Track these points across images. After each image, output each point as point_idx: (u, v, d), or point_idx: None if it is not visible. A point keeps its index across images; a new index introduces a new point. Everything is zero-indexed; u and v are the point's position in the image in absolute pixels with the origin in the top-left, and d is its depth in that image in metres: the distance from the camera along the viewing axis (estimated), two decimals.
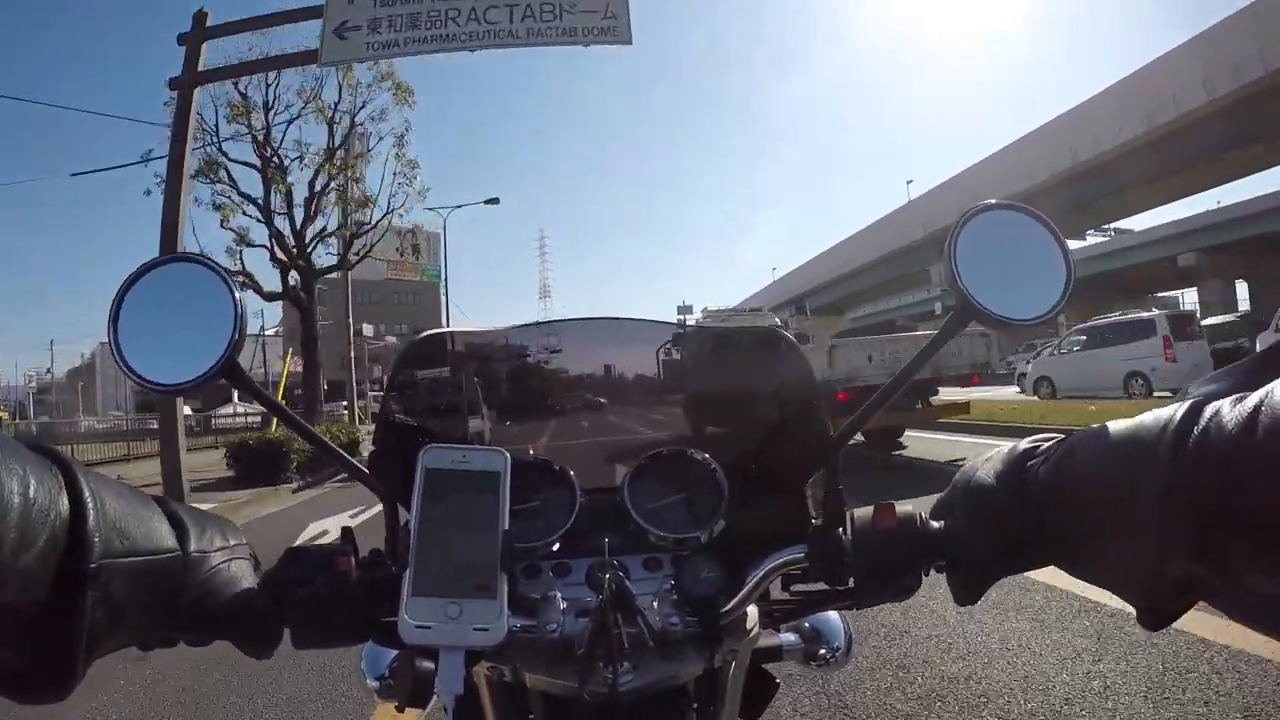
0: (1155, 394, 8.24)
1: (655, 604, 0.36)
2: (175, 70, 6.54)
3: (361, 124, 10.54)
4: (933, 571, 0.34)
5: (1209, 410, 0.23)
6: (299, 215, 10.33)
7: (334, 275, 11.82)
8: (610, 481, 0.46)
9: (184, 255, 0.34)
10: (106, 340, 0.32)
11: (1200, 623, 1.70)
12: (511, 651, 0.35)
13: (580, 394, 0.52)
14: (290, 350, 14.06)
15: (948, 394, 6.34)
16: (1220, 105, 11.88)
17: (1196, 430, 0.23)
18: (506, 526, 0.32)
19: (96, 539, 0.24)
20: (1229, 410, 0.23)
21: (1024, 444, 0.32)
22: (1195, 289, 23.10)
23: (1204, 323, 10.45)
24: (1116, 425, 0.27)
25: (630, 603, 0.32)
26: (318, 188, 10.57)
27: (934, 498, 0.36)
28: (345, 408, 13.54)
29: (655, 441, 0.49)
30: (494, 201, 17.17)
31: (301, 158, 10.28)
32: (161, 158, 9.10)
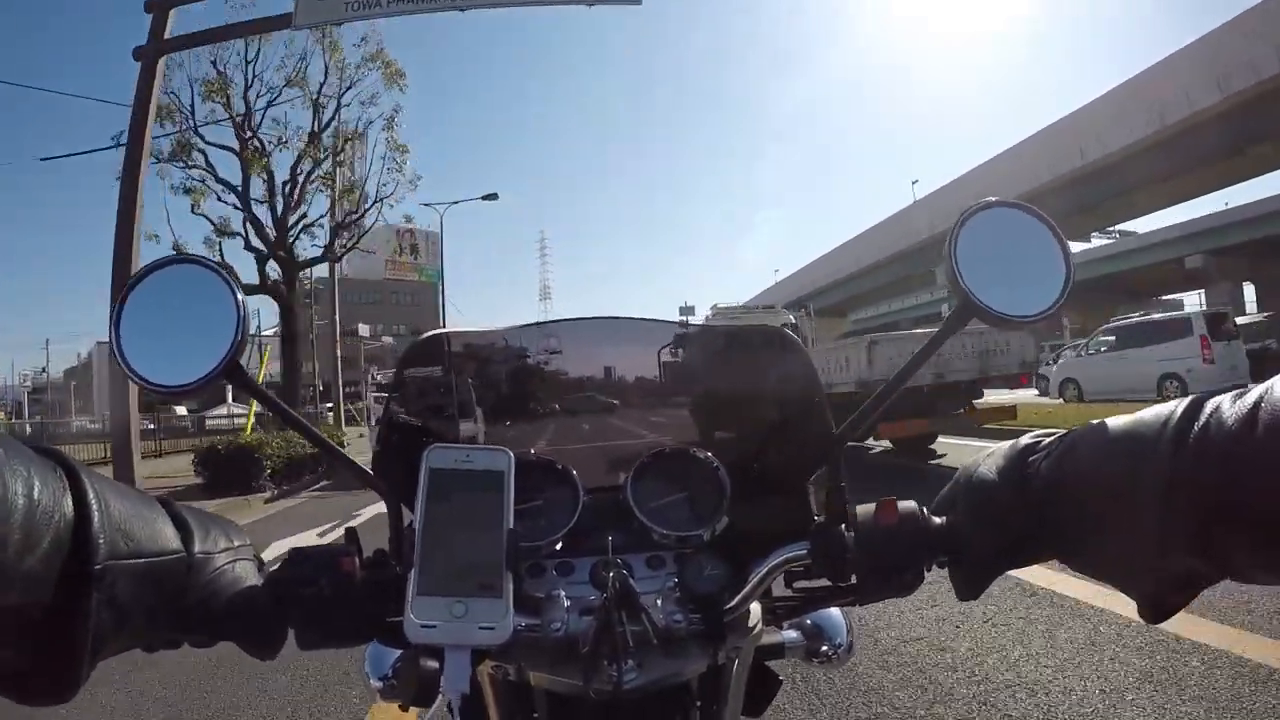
0: None
1: (659, 602, 0.36)
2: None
3: (348, 105, 9.94)
4: (935, 567, 0.34)
5: (1209, 406, 0.24)
6: (281, 202, 9.74)
7: (331, 275, 11.16)
8: (613, 480, 0.46)
9: (186, 257, 0.34)
10: (109, 341, 0.31)
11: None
12: (516, 650, 0.35)
13: (589, 394, 0.52)
14: (268, 346, 13.36)
15: (987, 396, 6.06)
16: (1236, 102, 11.64)
17: (1197, 426, 0.23)
18: (511, 525, 0.32)
19: (101, 540, 0.24)
20: (1229, 406, 0.23)
21: (1025, 439, 0.32)
22: (1201, 291, 22.96)
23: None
24: (1117, 421, 0.28)
25: (634, 601, 0.32)
26: (301, 174, 9.94)
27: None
28: (330, 409, 12.89)
29: (657, 440, 0.48)
30: (492, 197, 16.64)
31: (281, 139, 9.66)
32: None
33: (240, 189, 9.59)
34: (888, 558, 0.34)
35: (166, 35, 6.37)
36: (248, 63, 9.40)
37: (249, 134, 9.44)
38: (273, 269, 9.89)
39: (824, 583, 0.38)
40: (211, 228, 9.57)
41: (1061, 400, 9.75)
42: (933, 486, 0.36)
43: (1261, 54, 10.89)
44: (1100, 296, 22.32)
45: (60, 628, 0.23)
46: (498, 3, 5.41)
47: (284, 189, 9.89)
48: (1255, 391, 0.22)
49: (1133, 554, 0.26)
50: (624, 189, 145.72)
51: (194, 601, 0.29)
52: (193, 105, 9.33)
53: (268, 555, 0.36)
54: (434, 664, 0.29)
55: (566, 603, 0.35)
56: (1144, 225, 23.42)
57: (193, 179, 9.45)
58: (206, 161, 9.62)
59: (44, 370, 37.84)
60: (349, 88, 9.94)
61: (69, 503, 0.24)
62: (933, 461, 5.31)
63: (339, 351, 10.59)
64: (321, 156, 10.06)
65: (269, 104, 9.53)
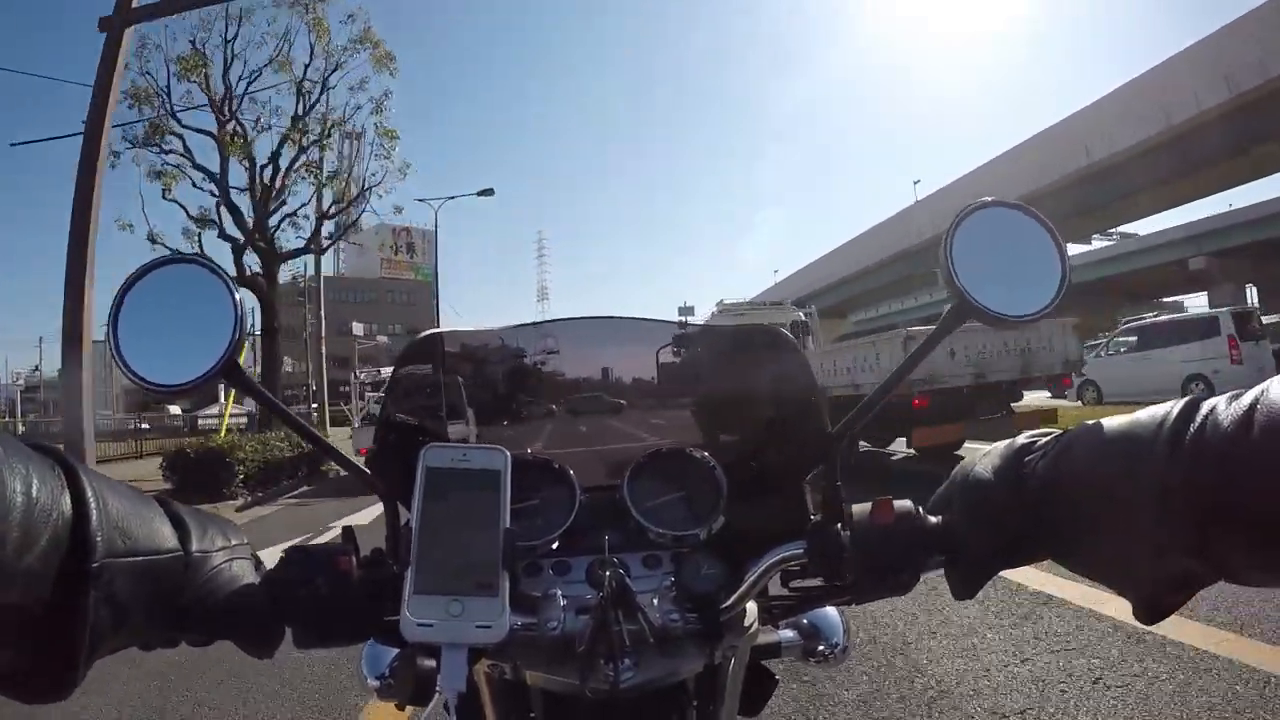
0: None
1: (655, 601, 0.36)
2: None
3: (334, 87, 9.38)
4: (931, 566, 0.34)
5: (1205, 407, 0.24)
6: (261, 190, 9.16)
7: (316, 269, 10.58)
8: (610, 480, 0.46)
9: (184, 256, 0.34)
10: (106, 341, 0.31)
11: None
12: (513, 649, 0.35)
13: (596, 394, 0.52)
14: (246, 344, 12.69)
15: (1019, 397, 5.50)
16: (1243, 102, 11.46)
17: (1193, 427, 0.24)
18: (508, 524, 0.32)
19: (99, 539, 0.24)
20: (1225, 407, 0.23)
21: (1021, 439, 0.32)
22: (1204, 293, 22.90)
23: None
24: (1113, 421, 0.28)
25: (630, 600, 0.33)
26: (283, 160, 9.40)
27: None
28: (315, 409, 12.30)
29: (654, 440, 0.48)
30: (488, 193, 16.19)
31: (259, 120, 9.09)
32: (116, 125, 7.98)
33: (218, 175, 9.03)
34: (884, 557, 0.33)
35: (134, 4, 5.86)
36: (227, 42, 8.87)
37: (227, 116, 8.88)
38: (255, 262, 9.33)
39: (820, 582, 0.37)
40: (186, 216, 9.01)
41: (1080, 403, 9.39)
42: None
43: (1273, 52, 10.71)
44: (1101, 298, 22.34)
45: (58, 626, 0.23)
46: None
47: (261, 171, 9.38)
48: (1251, 393, 0.22)
49: (1128, 554, 0.26)
50: (624, 189, 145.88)
51: (191, 600, 0.29)
52: (169, 86, 8.80)
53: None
54: (431, 663, 0.29)
55: (563, 602, 0.35)
56: (1144, 228, 23.30)
57: (169, 164, 8.92)
58: (185, 147, 9.09)
59: (37, 369, 37.42)
60: (335, 69, 9.45)
61: (67, 501, 0.24)
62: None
63: (323, 349, 9.97)
64: (306, 143, 9.52)
65: (248, 84, 9.03)
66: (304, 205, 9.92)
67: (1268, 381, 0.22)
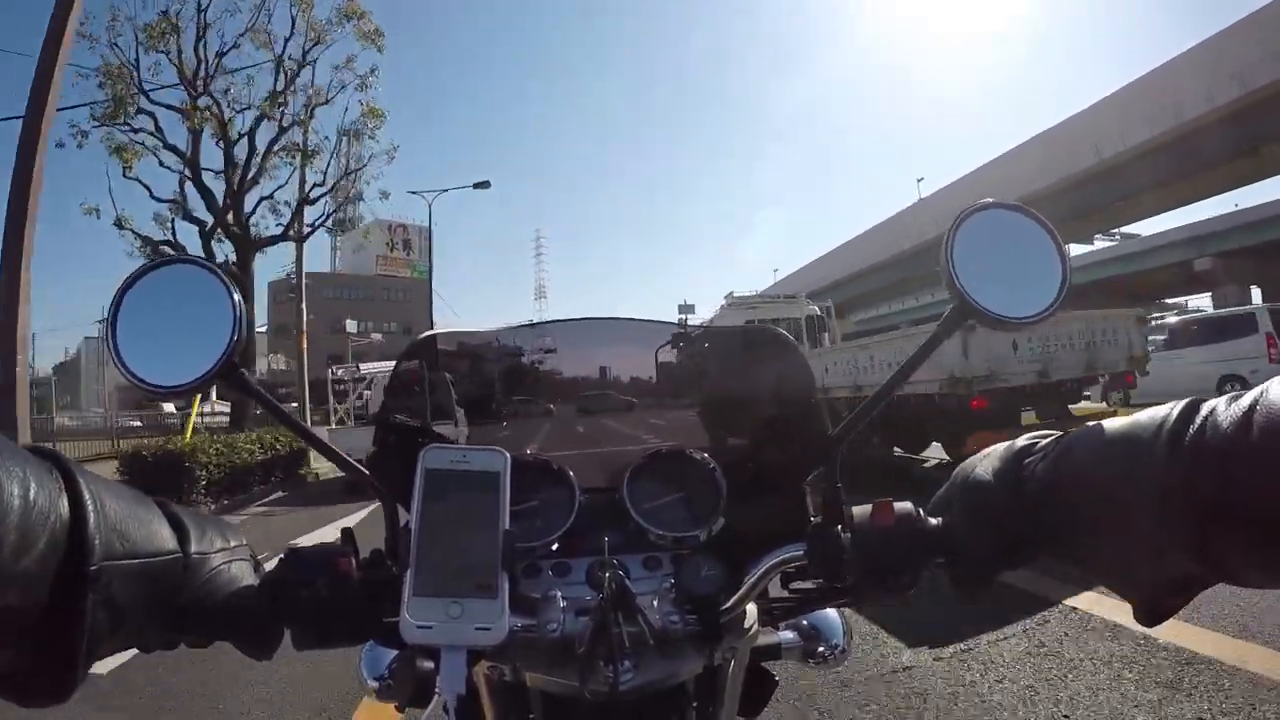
0: None
1: (655, 603, 0.36)
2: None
3: (314, 61, 8.71)
4: (932, 568, 0.34)
5: (1205, 409, 0.24)
6: (238, 173, 8.47)
7: (297, 260, 9.85)
8: (609, 481, 0.45)
9: (182, 257, 0.33)
10: (106, 342, 0.31)
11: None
12: (512, 651, 0.34)
13: (603, 391, 0.51)
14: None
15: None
16: (1253, 100, 11.14)
17: (1192, 429, 0.23)
18: (507, 526, 0.32)
19: (97, 541, 0.24)
20: (1224, 409, 0.23)
21: (1021, 441, 0.32)
22: (1208, 294, 22.77)
23: None
24: (1113, 423, 0.28)
25: (630, 601, 0.32)
26: (261, 143, 8.71)
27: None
28: (295, 408, 11.65)
29: (654, 441, 0.48)
30: (484, 185, 15.65)
31: (230, 91, 8.38)
32: (76, 105, 7.33)
33: (186, 151, 8.31)
34: (884, 559, 0.33)
35: None
36: (200, 10, 8.20)
37: (199, 90, 8.19)
38: (234, 252, 8.63)
39: (820, 583, 0.37)
40: (150, 196, 8.29)
41: (1105, 405, 8.94)
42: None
43: None
44: (1102, 300, 22.15)
45: (56, 628, 0.23)
46: None
47: (233, 147, 8.64)
48: (1250, 395, 0.22)
49: (1128, 556, 0.26)
50: (623, 188, 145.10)
51: (190, 602, 0.29)
52: (137, 59, 8.12)
53: None
54: (430, 664, 0.29)
55: (563, 603, 0.35)
56: (1146, 229, 23.14)
57: (136, 141, 8.23)
58: (157, 126, 8.41)
59: (31, 366, 36.77)
60: (317, 43, 8.77)
61: (65, 503, 0.24)
62: None
63: (304, 345, 9.25)
64: (286, 123, 8.86)
65: (222, 55, 8.32)
66: (280, 188, 9.27)
67: (1267, 383, 0.22)
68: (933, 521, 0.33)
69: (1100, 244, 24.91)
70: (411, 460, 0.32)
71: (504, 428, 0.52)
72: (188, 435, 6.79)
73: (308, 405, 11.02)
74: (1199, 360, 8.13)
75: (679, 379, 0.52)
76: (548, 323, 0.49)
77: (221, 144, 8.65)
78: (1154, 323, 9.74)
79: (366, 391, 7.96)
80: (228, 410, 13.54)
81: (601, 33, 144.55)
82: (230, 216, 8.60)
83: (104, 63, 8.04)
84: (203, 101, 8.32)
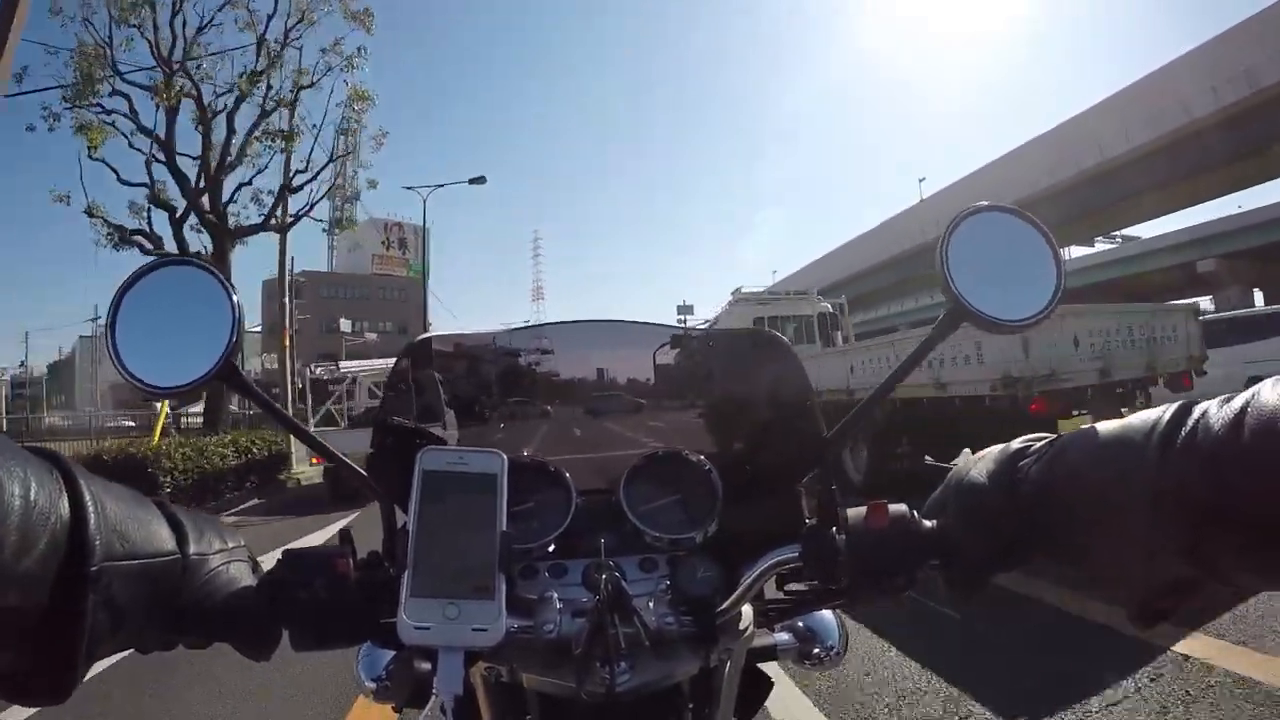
0: None
1: (651, 604, 0.36)
2: None
3: (299, 38, 8.19)
4: (926, 570, 0.34)
5: (1196, 411, 0.24)
6: (215, 156, 7.93)
7: (280, 252, 9.33)
8: (606, 483, 0.45)
9: (181, 259, 0.34)
10: (105, 342, 0.31)
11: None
12: (509, 652, 0.35)
13: (614, 393, 0.51)
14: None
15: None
16: (1260, 100, 10.95)
17: (1184, 431, 0.24)
18: (504, 528, 0.32)
19: (97, 542, 0.24)
20: (1216, 411, 0.23)
21: (1016, 443, 0.32)
22: (1209, 297, 22.70)
23: None
24: (1106, 426, 0.28)
25: (626, 603, 0.32)
26: (242, 127, 8.18)
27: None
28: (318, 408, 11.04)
29: (650, 443, 0.48)
30: (479, 181, 15.19)
31: (201, 66, 7.82)
32: (44, 89, 6.86)
33: (152, 130, 7.77)
34: (878, 561, 0.33)
35: None
36: None
37: (174, 69, 7.65)
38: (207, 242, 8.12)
39: (815, 585, 0.37)
40: (117, 180, 7.72)
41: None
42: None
43: None
44: (1104, 301, 22.05)
45: (56, 629, 0.23)
46: None
47: (208, 126, 8.04)
48: (1242, 397, 0.23)
49: (1122, 559, 0.26)
50: (623, 188, 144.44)
51: (189, 602, 0.29)
52: (110, 35, 7.62)
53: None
54: (427, 665, 0.29)
55: (559, 605, 0.35)
56: (1145, 232, 23.06)
57: (107, 123, 7.70)
58: (131, 108, 7.90)
59: (22, 364, 36.41)
60: (300, 21, 8.24)
61: (65, 504, 0.24)
62: None
63: (288, 342, 8.69)
64: (269, 107, 8.35)
65: (199, 29, 7.78)
66: (260, 173, 8.56)
67: (1258, 385, 0.22)
68: (927, 524, 0.33)
69: (1101, 246, 24.84)
70: (409, 462, 0.32)
71: (501, 429, 0.51)
72: (155, 437, 6.30)
73: (292, 406, 10.48)
74: (1226, 362, 7.79)
75: (676, 381, 0.52)
76: (545, 325, 0.49)
77: (201, 128, 8.13)
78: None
79: (351, 389, 7.52)
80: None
81: (601, 33, 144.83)
82: (208, 204, 8.06)
83: (79, 42, 7.55)
84: (183, 86, 7.81)
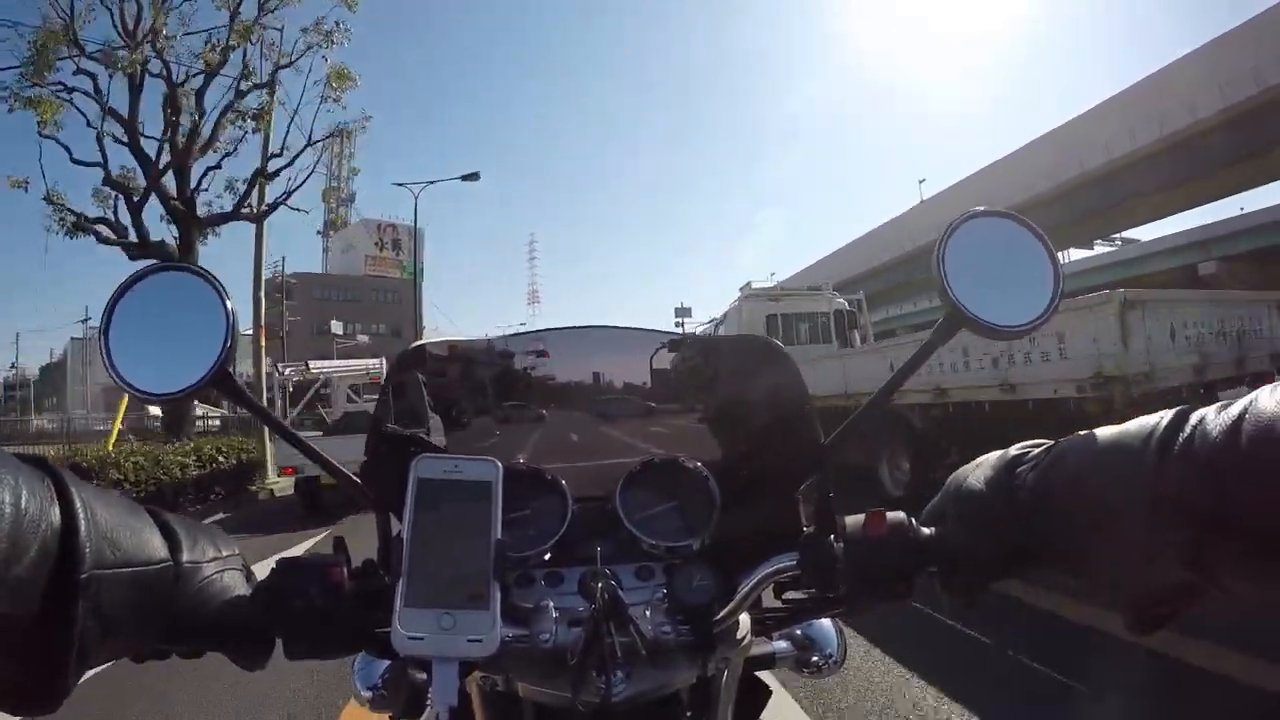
0: None
1: (648, 613, 0.36)
2: None
3: (275, 9, 7.60)
4: (925, 578, 0.34)
5: (1194, 418, 0.24)
6: (173, 128, 7.25)
7: (257, 241, 8.69)
8: (602, 490, 0.45)
9: (175, 265, 0.34)
10: (99, 348, 0.31)
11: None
12: (505, 661, 0.34)
13: (620, 398, 0.51)
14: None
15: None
16: (1268, 98, 10.68)
17: (1182, 437, 0.24)
18: (499, 536, 0.31)
19: (88, 549, 0.24)
20: (1214, 417, 0.23)
21: (1014, 450, 0.32)
22: None
23: None
24: (1104, 432, 0.28)
25: (623, 612, 0.32)
26: (216, 109, 7.59)
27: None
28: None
29: (647, 450, 0.48)
30: (472, 177, 14.71)
31: (160, 32, 7.15)
32: (6, 69, 6.29)
33: (105, 103, 7.15)
34: (876, 568, 0.33)
35: None
36: None
37: (138, 41, 7.03)
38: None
39: (813, 593, 0.37)
40: (70, 160, 7.07)
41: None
42: None
43: None
44: None
45: (47, 636, 0.23)
46: None
47: (170, 101, 7.36)
48: (1240, 403, 0.23)
49: (1120, 565, 0.26)
50: (622, 190, 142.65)
51: (182, 611, 0.29)
52: (71, 6, 7.05)
53: None
54: (423, 676, 0.29)
55: (555, 614, 0.35)
56: (1148, 234, 23.01)
57: (62, 98, 7.08)
58: (96, 88, 7.32)
59: (13, 366, 35.98)
60: None
61: (56, 512, 0.24)
62: None
63: (262, 341, 8.05)
64: (244, 86, 7.78)
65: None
66: (226, 156, 7.80)
67: (1257, 391, 0.22)
68: (925, 531, 0.33)
69: (1100, 249, 24.82)
70: (404, 470, 0.32)
71: (496, 436, 0.51)
72: (110, 443, 5.71)
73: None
74: None
75: (672, 388, 0.51)
76: (540, 331, 0.49)
77: (169, 107, 7.53)
78: None
79: (325, 392, 6.93)
80: (218, 413, 12.35)
81: (601, 33, 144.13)
82: (175, 190, 7.45)
83: (42, 17, 6.98)
84: (146, 58, 7.20)
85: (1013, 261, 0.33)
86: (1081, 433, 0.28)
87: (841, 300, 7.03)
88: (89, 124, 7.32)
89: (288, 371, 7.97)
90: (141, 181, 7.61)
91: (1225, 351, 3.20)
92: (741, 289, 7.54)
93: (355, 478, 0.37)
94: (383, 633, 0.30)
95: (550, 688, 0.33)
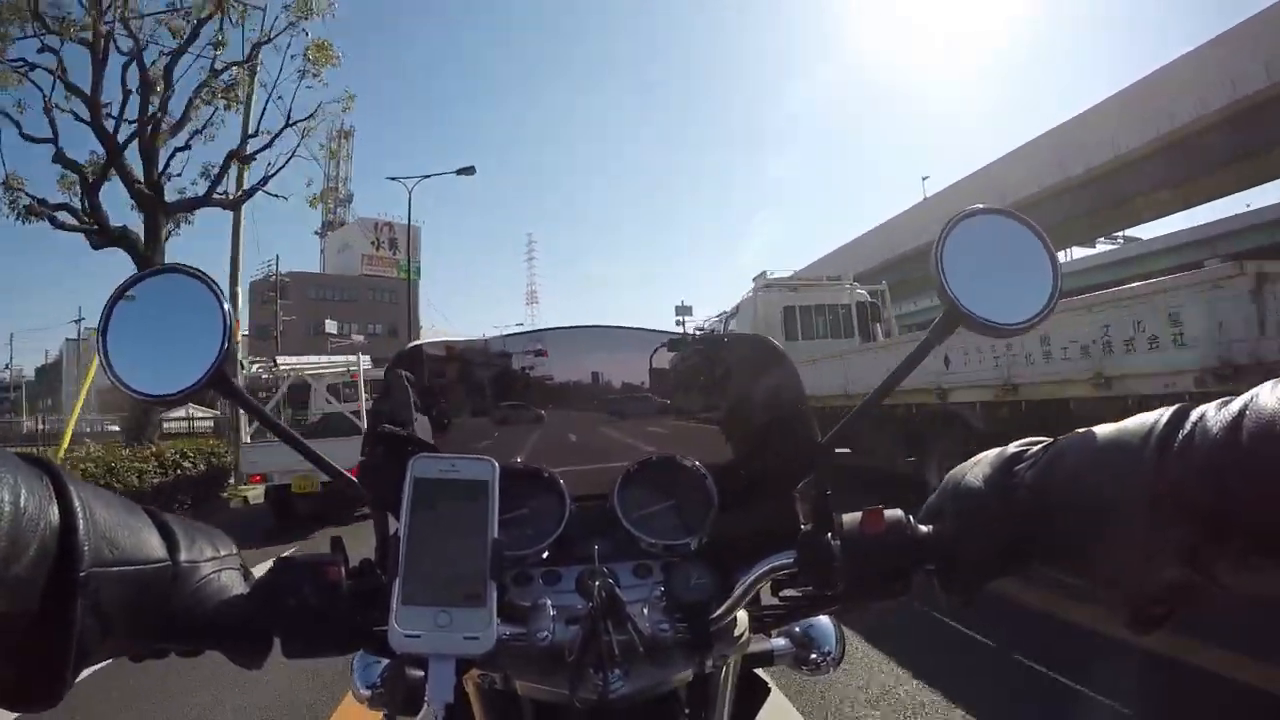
0: None
1: (645, 610, 0.36)
2: None
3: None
4: (923, 575, 0.34)
5: (1194, 415, 0.24)
6: (153, 124, 6.84)
7: (234, 230, 8.16)
8: (600, 489, 0.46)
9: (173, 267, 0.34)
10: (97, 350, 0.32)
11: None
12: (502, 659, 0.35)
13: (634, 396, 0.52)
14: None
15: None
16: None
17: (1182, 435, 0.24)
18: (496, 535, 0.32)
19: (86, 548, 0.24)
20: (1214, 414, 0.23)
21: (1012, 447, 0.32)
22: None
23: None
24: (1103, 429, 0.28)
25: (620, 609, 0.33)
26: (187, 89, 7.13)
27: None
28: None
29: (645, 449, 0.48)
30: (468, 171, 14.38)
31: (121, 4, 6.58)
32: None
33: (53, 74, 6.63)
34: (874, 566, 0.34)
35: None
36: None
37: (102, 9, 6.51)
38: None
39: (811, 591, 0.37)
40: (20, 135, 6.62)
41: None
42: None
43: None
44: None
45: (45, 635, 0.23)
46: None
47: (128, 70, 6.87)
48: (1239, 400, 0.23)
49: (1119, 562, 0.26)
50: (621, 189, 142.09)
51: (179, 610, 0.29)
52: None
53: None
54: (420, 674, 0.29)
55: (552, 612, 0.35)
56: (1150, 231, 22.81)
57: (17, 69, 6.54)
58: (61, 65, 6.86)
59: (8, 366, 35.79)
60: None
61: (55, 510, 0.24)
62: None
63: (238, 337, 7.64)
64: (220, 65, 7.32)
65: None
66: (198, 133, 7.29)
67: (1257, 388, 0.22)
68: (923, 528, 0.34)
69: (1103, 247, 24.68)
70: (401, 469, 0.33)
71: (494, 435, 0.51)
72: (63, 447, 5.28)
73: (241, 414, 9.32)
74: None
75: (670, 387, 0.52)
76: (538, 330, 0.50)
77: (139, 86, 7.06)
78: None
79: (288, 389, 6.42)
80: (211, 414, 11.92)
81: (601, 32, 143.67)
82: (143, 174, 6.97)
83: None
84: (110, 28, 6.70)
85: (1012, 259, 0.33)
86: (1080, 430, 0.29)
87: (863, 291, 6.66)
88: (46, 97, 6.86)
89: (255, 369, 7.39)
90: (53, 135, 7.05)
91: None
92: (756, 279, 7.08)
93: (353, 478, 0.37)
94: (380, 631, 0.30)
95: (548, 685, 0.34)
